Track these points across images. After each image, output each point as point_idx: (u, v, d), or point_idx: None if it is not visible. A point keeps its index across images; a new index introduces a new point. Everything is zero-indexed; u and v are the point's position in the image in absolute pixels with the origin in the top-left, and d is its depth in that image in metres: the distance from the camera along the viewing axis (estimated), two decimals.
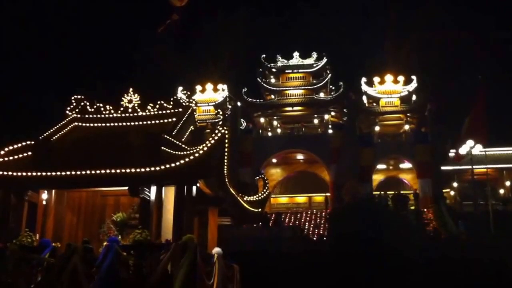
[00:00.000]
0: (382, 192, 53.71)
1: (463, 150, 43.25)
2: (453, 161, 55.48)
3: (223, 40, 78.17)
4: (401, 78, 67.95)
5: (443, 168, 58.02)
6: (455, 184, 58.22)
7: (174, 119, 25.52)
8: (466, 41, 72.98)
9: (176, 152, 21.25)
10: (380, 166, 64.83)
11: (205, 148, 20.93)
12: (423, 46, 70.95)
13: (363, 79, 68.18)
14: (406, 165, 64.38)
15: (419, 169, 61.21)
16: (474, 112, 53.15)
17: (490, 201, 41.75)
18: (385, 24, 75.31)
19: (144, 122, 25.78)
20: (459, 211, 48.59)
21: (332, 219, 41.10)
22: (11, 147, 23.25)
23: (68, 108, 26.74)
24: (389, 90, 67.30)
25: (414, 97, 67.31)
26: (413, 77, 67.68)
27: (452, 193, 59.15)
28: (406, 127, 66.77)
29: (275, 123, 72.33)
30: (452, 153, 56.33)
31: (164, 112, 26.05)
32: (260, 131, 71.76)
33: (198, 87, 73.00)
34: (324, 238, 43.24)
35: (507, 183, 57.05)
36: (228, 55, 76.98)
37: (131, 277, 17.27)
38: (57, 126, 25.70)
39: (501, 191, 56.73)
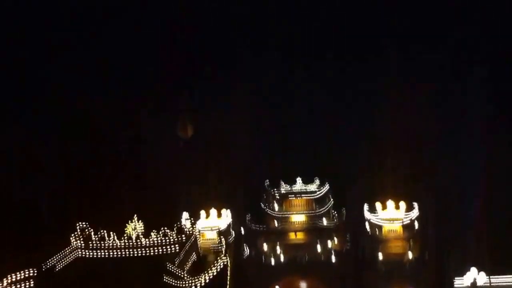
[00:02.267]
0: None
1: (467, 280, 42.80)
2: None
3: (227, 166, 79.79)
4: (402, 205, 68.42)
5: None
6: None
7: (177, 247, 25.90)
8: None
9: (178, 282, 21.46)
10: None
11: (207, 279, 21.16)
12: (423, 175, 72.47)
13: (366, 206, 68.65)
14: None
15: None
16: (475, 242, 53.12)
17: None
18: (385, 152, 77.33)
19: (147, 251, 26.12)
20: None
21: None
22: (14, 276, 23.47)
23: (72, 235, 27.21)
24: (391, 218, 67.56)
25: (416, 224, 67.34)
26: (415, 204, 68.17)
27: None
28: (410, 254, 66.14)
29: (278, 249, 71.77)
30: (457, 281, 55.48)
31: (167, 239, 26.46)
32: (264, 257, 71.01)
33: (203, 213, 73.34)
34: None
35: None
36: (232, 181, 78.14)
37: None
38: (60, 255, 26.04)
39: None
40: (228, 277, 22.43)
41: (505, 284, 54.28)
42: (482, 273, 41.49)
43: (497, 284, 49.53)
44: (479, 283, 41.10)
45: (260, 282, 62.81)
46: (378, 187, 71.14)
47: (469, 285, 42.38)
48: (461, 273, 48.09)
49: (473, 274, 41.60)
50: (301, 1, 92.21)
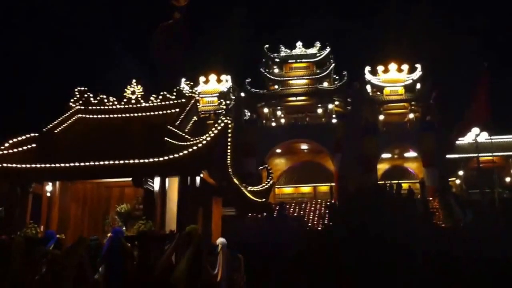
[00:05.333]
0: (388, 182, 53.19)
1: (468, 138, 42.99)
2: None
3: (226, 31, 78.11)
4: (405, 67, 67.80)
5: (448, 156, 57.75)
6: (461, 173, 57.99)
7: (177, 109, 25.33)
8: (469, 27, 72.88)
9: (180, 143, 21.15)
10: (385, 155, 64.53)
11: (208, 139, 20.84)
12: (427, 34, 70.93)
13: (367, 68, 67.99)
14: (411, 154, 64.10)
15: (425, 158, 60.92)
16: (476, 99, 52.76)
17: (496, 189, 41.57)
18: (389, 13, 75.38)
19: (147, 113, 25.60)
20: (465, 200, 48.39)
21: (335, 210, 40.58)
22: (15, 139, 23.20)
23: (72, 100, 26.63)
24: (393, 79, 67.14)
25: (418, 86, 66.97)
26: (418, 65, 67.45)
27: (458, 181, 58.93)
28: (411, 115, 66.45)
29: (279, 113, 72.02)
30: (458, 141, 56.14)
31: (167, 102, 25.85)
32: (264, 121, 71.53)
33: (202, 78, 72.90)
34: (328, 229, 42.83)
35: None
36: (231, 45, 76.80)
37: (136, 268, 17.23)
38: (61, 118, 25.61)
39: (508, 178, 56.55)
40: (229, 138, 22.19)
41: (505, 141, 55.22)
42: (484, 133, 41.58)
43: (498, 141, 50.26)
44: (480, 140, 41.34)
45: (260, 144, 63.58)
46: (380, 49, 70.20)
47: (470, 142, 42.63)
48: (463, 134, 48.49)
49: (475, 133, 41.68)
50: None
